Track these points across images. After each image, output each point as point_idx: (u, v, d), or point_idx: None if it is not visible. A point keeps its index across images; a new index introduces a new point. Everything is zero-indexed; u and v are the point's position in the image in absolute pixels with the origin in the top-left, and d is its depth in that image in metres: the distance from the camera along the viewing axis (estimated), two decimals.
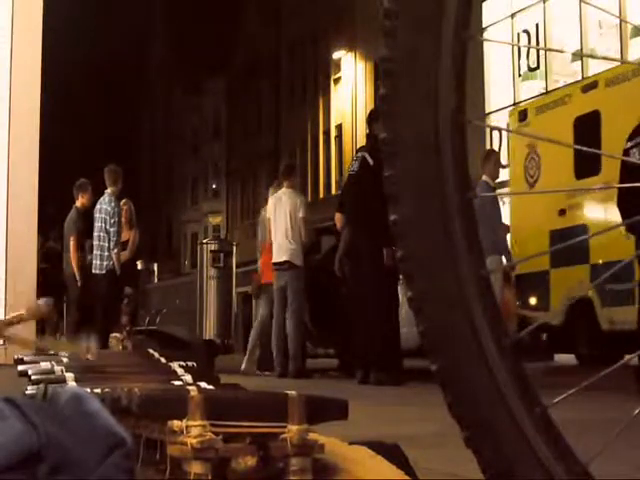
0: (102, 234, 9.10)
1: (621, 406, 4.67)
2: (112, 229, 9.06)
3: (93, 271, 9.17)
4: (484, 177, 8.09)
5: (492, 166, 8.18)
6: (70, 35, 38.92)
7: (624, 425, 1.05)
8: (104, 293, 9.16)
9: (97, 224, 9.18)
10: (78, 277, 9.42)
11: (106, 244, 9.04)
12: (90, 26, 48.09)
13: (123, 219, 9.79)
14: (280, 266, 8.77)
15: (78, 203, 9.77)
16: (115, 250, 9.04)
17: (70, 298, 10.23)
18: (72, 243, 9.53)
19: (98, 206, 9.28)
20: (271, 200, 9.13)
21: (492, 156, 8.52)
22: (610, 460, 1.89)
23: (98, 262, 9.11)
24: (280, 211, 8.88)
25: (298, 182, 9.84)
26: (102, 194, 9.38)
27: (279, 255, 8.78)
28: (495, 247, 7.62)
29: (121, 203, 9.81)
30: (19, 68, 9.21)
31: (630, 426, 1.05)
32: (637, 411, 1.05)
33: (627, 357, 5.38)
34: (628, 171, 5.46)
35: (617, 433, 1.06)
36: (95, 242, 9.19)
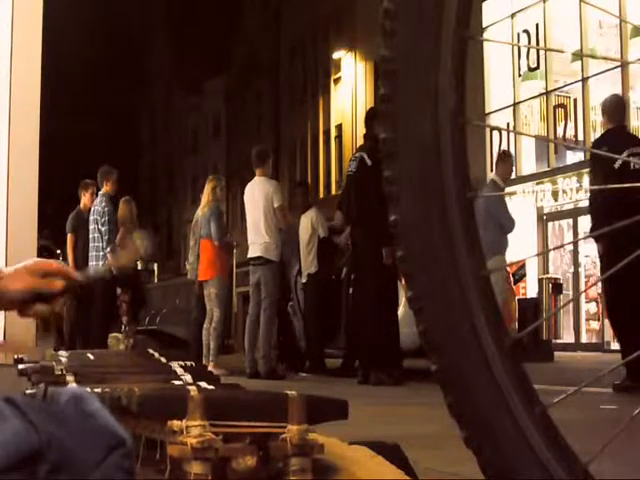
0: (96, 235, 9.18)
1: (621, 406, 4.68)
2: (104, 228, 9.11)
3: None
4: (494, 176, 8.23)
5: (505, 167, 8.32)
6: (70, 35, 38.90)
7: (624, 425, 1.05)
8: (101, 293, 9.18)
9: (91, 226, 9.26)
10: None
11: (100, 244, 9.09)
12: (90, 26, 48.05)
13: (128, 219, 9.84)
14: (254, 262, 8.52)
15: (81, 203, 9.96)
16: (109, 249, 9.08)
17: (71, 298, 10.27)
18: (68, 242, 9.61)
19: (92, 208, 9.38)
20: (246, 190, 8.80)
21: (506, 157, 8.71)
22: (610, 460, 1.89)
23: (94, 263, 9.16)
24: (252, 203, 8.57)
25: (270, 169, 9.02)
26: (106, 195, 9.45)
27: (252, 250, 8.50)
28: (499, 247, 7.66)
29: (120, 202, 9.83)
30: (19, 68, 9.21)
31: (630, 426, 1.05)
32: (637, 411, 1.05)
33: (626, 359, 5.40)
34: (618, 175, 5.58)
35: (617, 433, 1.06)
36: (91, 244, 9.25)
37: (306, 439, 1.50)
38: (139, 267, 13.21)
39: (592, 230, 6.26)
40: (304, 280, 9.28)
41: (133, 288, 10.63)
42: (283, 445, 1.48)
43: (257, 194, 8.57)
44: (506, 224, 7.95)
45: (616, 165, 5.78)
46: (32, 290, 1.42)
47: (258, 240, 8.47)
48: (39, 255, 11.81)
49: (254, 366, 8.31)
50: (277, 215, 8.46)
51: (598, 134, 19.37)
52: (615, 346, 17.30)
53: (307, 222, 9.27)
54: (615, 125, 6.20)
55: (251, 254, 8.57)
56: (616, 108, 6.41)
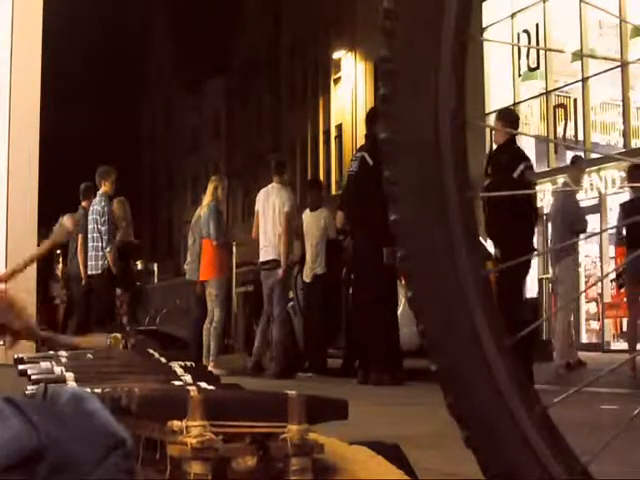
0: (95, 234, 9.18)
1: (621, 406, 4.68)
2: (103, 228, 9.12)
3: (89, 272, 9.21)
4: (567, 179, 9.43)
5: (577, 171, 9.12)
6: (70, 35, 38.90)
7: (624, 425, 1.05)
8: (101, 292, 9.19)
9: (90, 225, 9.26)
10: (83, 277, 9.48)
11: (100, 244, 9.10)
12: (90, 26, 48.06)
13: (123, 217, 9.86)
14: (268, 265, 8.60)
15: (84, 204, 9.95)
16: (108, 249, 9.08)
17: (73, 299, 10.28)
18: (79, 243, 9.59)
19: (91, 207, 9.37)
20: (260, 195, 8.93)
21: (578, 162, 9.40)
22: (610, 460, 1.89)
23: (93, 262, 9.17)
24: (268, 207, 8.67)
25: (287, 180, 9.40)
26: (104, 194, 9.44)
27: (267, 253, 8.58)
28: (568, 248, 8.30)
29: (115, 202, 9.85)
30: (19, 68, 9.21)
31: (630, 426, 1.05)
32: (637, 411, 1.05)
33: (626, 358, 5.41)
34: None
35: (617, 433, 1.06)
36: (90, 243, 9.24)
37: (306, 439, 1.50)
38: (139, 267, 13.23)
39: (486, 230, 6.59)
40: (308, 280, 9.24)
41: (132, 288, 10.65)
42: (283, 445, 1.48)
43: (273, 199, 8.68)
44: (576, 222, 8.49)
45: (515, 174, 6.25)
46: None
47: (271, 243, 8.54)
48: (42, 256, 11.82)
49: (258, 361, 8.38)
50: (281, 219, 8.53)
51: (598, 134, 19.44)
52: (615, 346, 17.32)
53: (318, 221, 9.24)
54: (509, 137, 6.67)
55: (264, 257, 8.62)
56: (515, 122, 7.01)
